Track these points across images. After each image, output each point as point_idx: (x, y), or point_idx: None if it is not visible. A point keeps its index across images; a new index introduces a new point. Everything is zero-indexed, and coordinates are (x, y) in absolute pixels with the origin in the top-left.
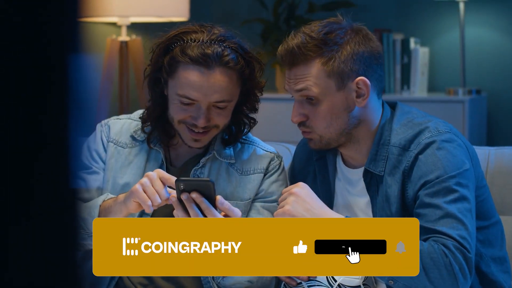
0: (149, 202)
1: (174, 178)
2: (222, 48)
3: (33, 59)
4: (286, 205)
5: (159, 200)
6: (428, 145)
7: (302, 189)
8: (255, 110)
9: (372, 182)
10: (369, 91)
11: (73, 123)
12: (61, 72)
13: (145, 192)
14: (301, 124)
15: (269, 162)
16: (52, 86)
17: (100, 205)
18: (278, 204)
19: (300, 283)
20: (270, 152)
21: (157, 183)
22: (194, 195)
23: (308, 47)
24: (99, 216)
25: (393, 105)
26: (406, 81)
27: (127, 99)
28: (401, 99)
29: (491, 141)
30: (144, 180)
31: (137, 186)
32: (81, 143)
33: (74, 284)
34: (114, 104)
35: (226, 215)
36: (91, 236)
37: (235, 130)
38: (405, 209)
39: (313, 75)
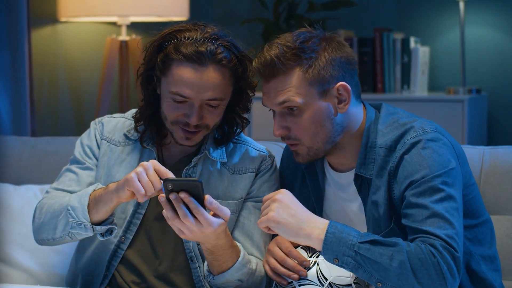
0: (143, 192)
1: (168, 171)
2: (216, 46)
3: None
4: (270, 212)
5: (152, 190)
6: (413, 145)
7: (284, 195)
8: (247, 110)
9: (363, 186)
10: (350, 96)
11: None
12: None
13: (139, 181)
14: (285, 137)
15: (261, 162)
16: None
17: (90, 194)
18: None
19: (291, 282)
20: (263, 152)
21: (151, 174)
22: (183, 195)
23: (287, 56)
24: (89, 205)
25: (378, 106)
26: (406, 80)
27: (127, 99)
28: (401, 99)
29: (491, 141)
30: (139, 169)
31: (132, 175)
32: None
33: None
34: (114, 104)
35: (215, 215)
36: (80, 225)
37: (228, 130)
38: (393, 211)
39: (294, 85)
